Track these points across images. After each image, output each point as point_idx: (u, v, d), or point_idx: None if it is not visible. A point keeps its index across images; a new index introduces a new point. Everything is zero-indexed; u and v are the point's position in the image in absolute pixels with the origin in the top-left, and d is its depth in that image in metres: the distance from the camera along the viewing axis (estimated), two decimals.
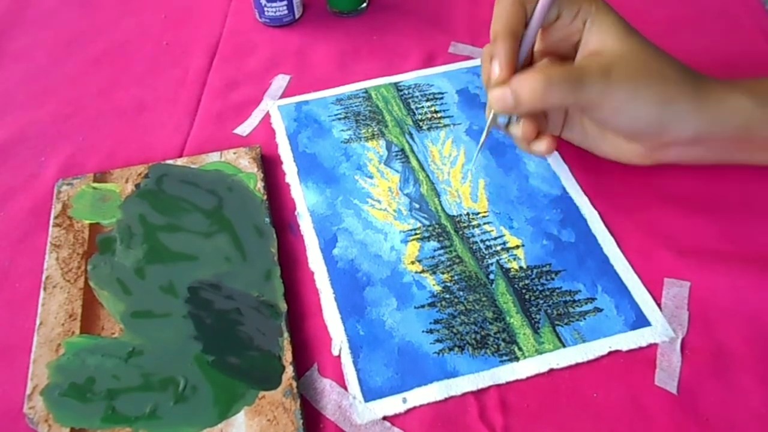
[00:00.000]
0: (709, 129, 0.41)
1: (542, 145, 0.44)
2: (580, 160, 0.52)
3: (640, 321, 0.42)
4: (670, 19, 0.64)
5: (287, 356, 0.40)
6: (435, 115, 0.56)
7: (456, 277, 0.45)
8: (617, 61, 0.40)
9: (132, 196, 0.49)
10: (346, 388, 0.40)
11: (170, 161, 0.51)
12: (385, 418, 0.39)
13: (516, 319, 0.42)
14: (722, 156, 0.45)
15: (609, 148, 0.46)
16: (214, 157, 0.51)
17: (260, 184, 0.49)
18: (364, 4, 0.66)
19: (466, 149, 0.53)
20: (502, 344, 0.41)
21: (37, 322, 0.42)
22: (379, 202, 0.49)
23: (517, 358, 0.41)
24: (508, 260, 0.45)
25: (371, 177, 0.51)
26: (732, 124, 0.41)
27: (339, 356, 0.41)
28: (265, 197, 0.49)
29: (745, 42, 0.62)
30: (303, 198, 0.50)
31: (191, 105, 0.58)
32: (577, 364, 0.40)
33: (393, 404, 0.39)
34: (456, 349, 0.41)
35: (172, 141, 0.54)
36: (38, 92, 0.59)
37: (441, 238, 0.47)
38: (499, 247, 0.46)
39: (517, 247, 0.46)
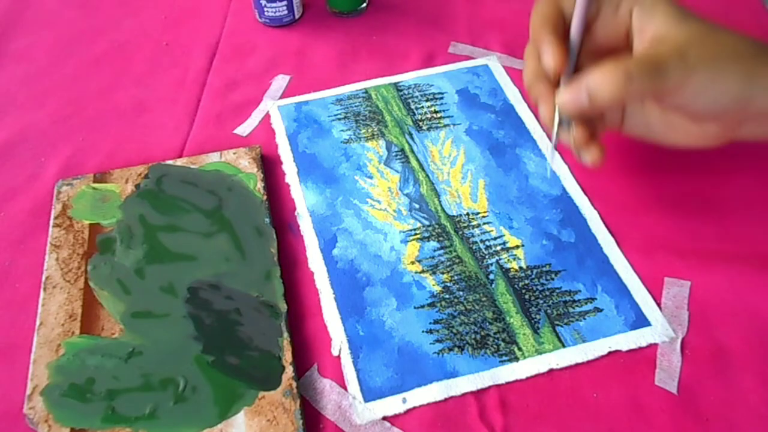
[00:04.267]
0: None
1: (592, 153, 0.42)
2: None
3: (640, 321, 0.42)
4: None
5: (287, 356, 0.40)
6: (435, 115, 0.56)
7: (456, 277, 0.45)
8: (689, 43, 0.38)
9: (132, 197, 0.49)
10: (345, 389, 0.40)
11: (170, 161, 0.51)
12: (384, 418, 0.39)
13: (516, 319, 0.42)
14: None
15: (677, 135, 0.43)
16: (214, 158, 0.51)
17: (260, 185, 0.49)
18: (364, 4, 0.66)
19: (466, 149, 0.53)
20: (502, 344, 0.41)
21: (37, 323, 0.42)
22: (378, 202, 0.49)
23: (516, 358, 0.41)
24: (508, 260, 0.45)
25: (371, 177, 0.51)
26: None
27: (339, 356, 0.41)
28: (265, 197, 0.49)
29: None
30: (303, 198, 0.50)
31: (191, 105, 0.58)
32: (577, 364, 0.40)
33: (393, 404, 0.39)
34: (456, 349, 0.41)
35: (172, 141, 0.54)
36: (38, 93, 0.59)
37: (441, 238, 0.47)
38: (498, 247, 0.46)
39: (517, 247, 0.46)
